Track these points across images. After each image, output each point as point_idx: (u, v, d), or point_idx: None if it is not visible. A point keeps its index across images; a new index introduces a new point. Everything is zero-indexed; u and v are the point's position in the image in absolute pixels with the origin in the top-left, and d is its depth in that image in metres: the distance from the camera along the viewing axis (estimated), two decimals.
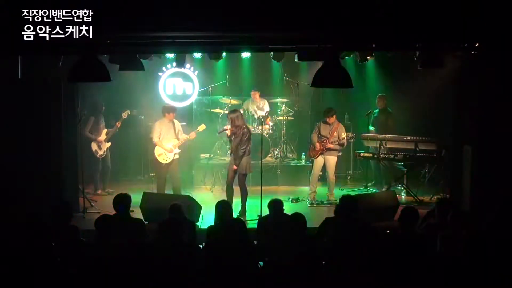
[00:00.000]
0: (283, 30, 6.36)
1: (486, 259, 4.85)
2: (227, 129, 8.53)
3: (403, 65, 9.52)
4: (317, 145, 9.18)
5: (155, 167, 9.24)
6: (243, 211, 8.38)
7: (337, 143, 9.12)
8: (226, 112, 10.66)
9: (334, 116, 9.18)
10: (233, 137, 8.42)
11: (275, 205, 6.41)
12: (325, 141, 9.14)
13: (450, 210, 5.65)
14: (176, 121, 9.15)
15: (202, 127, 9.13)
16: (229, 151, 9.11)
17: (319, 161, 9.26)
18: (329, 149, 9.16)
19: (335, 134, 9.14)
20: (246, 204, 8.46)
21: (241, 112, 8.78)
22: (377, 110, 10.25)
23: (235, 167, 8.39)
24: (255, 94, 10.87)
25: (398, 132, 9.93)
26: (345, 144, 9.30)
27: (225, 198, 8.14)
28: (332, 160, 9.24)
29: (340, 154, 9.75)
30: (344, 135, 9.20)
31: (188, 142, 9.23)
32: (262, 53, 9.50)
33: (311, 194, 9.29)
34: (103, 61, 6.33)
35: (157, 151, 8.98)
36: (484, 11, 6.14)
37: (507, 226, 5.32)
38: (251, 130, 10.35)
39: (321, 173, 9.64)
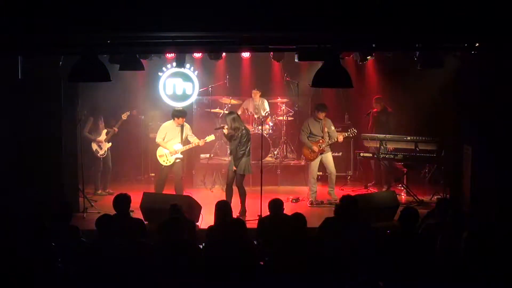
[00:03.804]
0: (283, 30, 6.35)
1: (486, 259, 4.85)
2: (224, 127, 8.53)
3: (403, 65, 9.52)
4: (315, 148, 9.14)
5: (157, 167, 9.25)
6: (243, 211, 8.38)
7: (340, 136, 9.12)
8: (226, 112, 10.68)
9: (325, 112, 9.19)
10: (232, 139, 8.43)
11: (275, 205, 6.41)
12: (321, 141, 9.12)
13: (450, 210, 5.66)
14: (186, 125, 9.08)
15: (210, 138, 9.07)
16: (229, 151, 9.10)
17: (315, 162, 9.23)
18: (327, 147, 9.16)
19: (326, 130, 9.13)
20: (246, 204, 8.46)
21: (238, 113, 8.75)
22: (375, 110, 10.26)
23: (234, 168, 8.39)
24: (256, 94, 10.85)
25: (398, 132, 9.94)
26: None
27: (225, 198, 8.15)
28: (329, 155, 9.24)
29: (340, 154, 9.76)
30: (333, 128, 9.22)
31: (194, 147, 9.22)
32: (262, 53, 9.50)
33: (312, 194, 9.28)
34: (103, 61, 6.32)
35: (159, 152, 9.00)
36: (484, 11, 6.13)
37: (506, 226, 5.32)
38: (251, 130, 10.37)
39: (319, 173, 9.64)
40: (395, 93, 10.52)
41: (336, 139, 9.11)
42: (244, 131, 8.37)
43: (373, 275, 4.38)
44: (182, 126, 9.01)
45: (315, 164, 9.23)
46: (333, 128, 9.22)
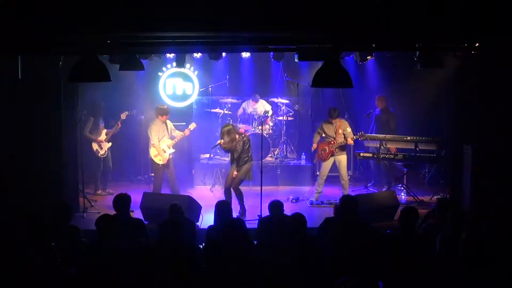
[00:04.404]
0: (283, 30, 6.35)
1: (486, 259, 4.85)
2: (221, 143, 8.55)
3: (403, 65, 9.53)
4: (326, 147, 9.15)
5: (153, 167, 9.27)
6: (243, 211, 8.38)
7: (349, 138, 9.07)
8: (226, 112, 10.68)
9: (333, 118, 9.19)
10: (231, 150, 8.40)
11: (275, 206, 6.42)
12: (332, 142, 9.13)
13: (450, 210, 5.66)
14: (168, 121, 9.20)
15: (192, 126, 9.23)
16: (229, 159, 9.04)
17: (328, 163, 9.24)
18: (340, 149, 9.15)
19: (340, 131, 9.12)
20: (245, 204, 8.45)
21: (232, 125, 8.74)
22: (377, 109, 10.26)
23: (235, 173, 8.39)
24: (254, 103, 10.86)
25: (398, 132, 9.94)
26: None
27: (224, 199, 8.15)
28: (343, 159, 9.22)
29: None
30: (349, 129, 9.18)
31: (182, 139, 9.31)
32: (262, 53, 9.50)
33: (316, 194, 9.29)
34: (103, 61, 6.32)
35: (153, 152, 9.02)
36: (484, 10, 6.13)
37: (506, 226, 5.32)
38: (251, 130, 10.38)
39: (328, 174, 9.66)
40: (395, 93, 10.52)
41: (345, 141, 9.10)
42: (245, 138, 8.37)
43: (373, 275, 4.37)
44: (165, 123, 9.12)
45: (326, 164, 9.25)
46: (349, 130, 9.17)
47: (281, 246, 5.37)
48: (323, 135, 9.25)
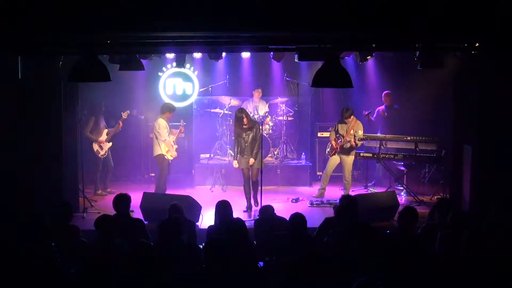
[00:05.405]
0: (283, 30, 6.36)
1: (486, 259, 4.85)
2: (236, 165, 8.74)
3: (403, 65, 9.53)
4: (333, 143, 9.26)
5: (161, 165, 9.23)
6: (255, 201, 8.56)
7: (352, 140, 9.09)
8: (226, 112, 10.67)
9: (352, 116, 9.22)
10: (248, 134, 8.49)
11: (264, 212, 6.46)
12: (341, 140, 9.17)
13: (450, 210, 5.66)
14: None
15: (182, 122, 9.53)
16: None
17: (334, 159, 9.32)
18: (346, 149, 9.16)
19: (351, 132, 9.15)
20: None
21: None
22: (383, 106, 10.28)
23: (251, 162, 8.46)
24: (259, 93, 10.87)
25: (399, 132, 9.94)
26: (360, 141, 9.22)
27: (225, 198, 8.13)
28: (347, 160, 9.25)
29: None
30: (361, 132, 9.18)
31: (183, 139, 9.58)
32: (262, 53, 9.50)
33: (320, 190, 9.33)
34: (103, 61, 6.32)
35: (164, 148, 9.07)
36: (484, 10, 6.13)
37: (506, 226, 5.32)
38: None
39: (319, 173, 9.65)
40: (395, 93, 10.52)
41: (349, 142, 9.12)
42: (257, 124, 8.58)
43: (373, 275, 4.38)
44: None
45: (331, 161, 9.37)
46: (360, 132, 9.19)
47: (281, 246, 5.36)
48: (337, 133, 9.34)
